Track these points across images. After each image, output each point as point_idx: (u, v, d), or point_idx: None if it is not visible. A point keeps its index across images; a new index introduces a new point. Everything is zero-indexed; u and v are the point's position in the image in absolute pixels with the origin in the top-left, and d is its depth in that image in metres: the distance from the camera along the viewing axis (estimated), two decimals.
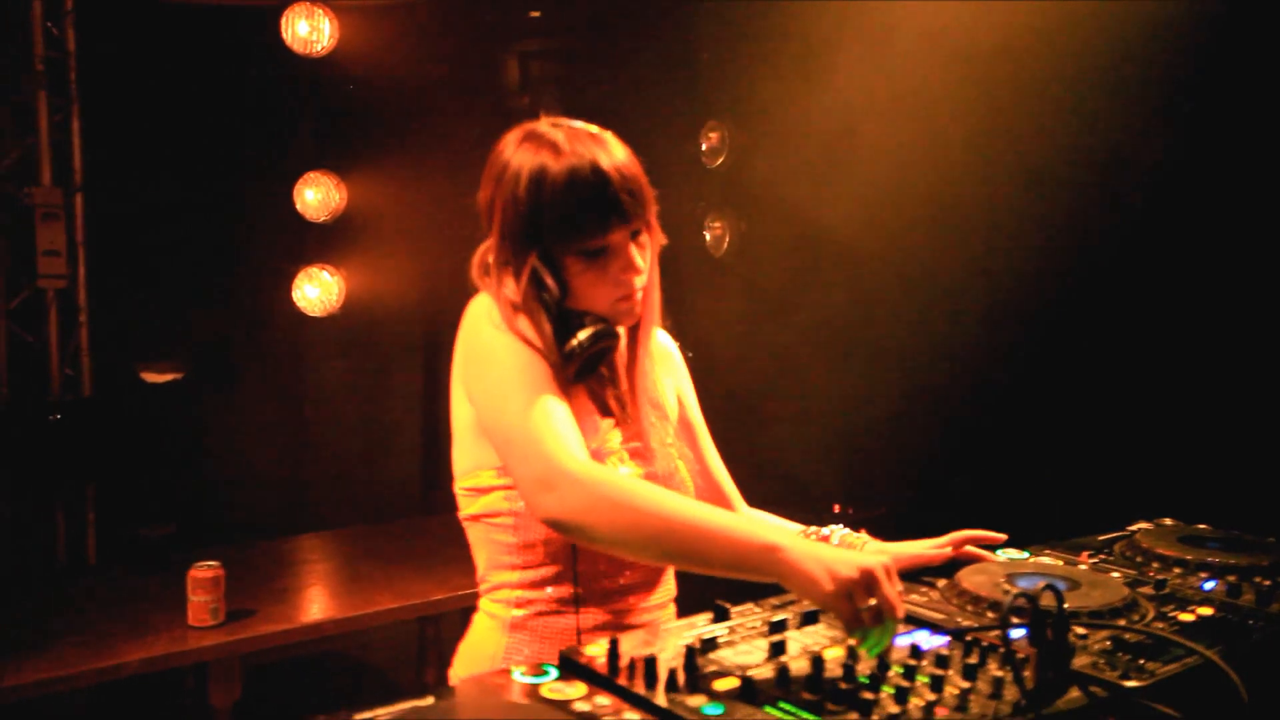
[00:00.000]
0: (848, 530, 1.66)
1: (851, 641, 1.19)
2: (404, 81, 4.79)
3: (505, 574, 1.57)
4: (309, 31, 4.57)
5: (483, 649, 1.59)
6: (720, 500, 1.79)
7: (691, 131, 4.60)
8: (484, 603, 1.63)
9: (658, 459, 1.59)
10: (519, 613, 1.56)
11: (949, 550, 1.61)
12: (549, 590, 1.55)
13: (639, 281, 1.52)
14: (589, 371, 1.51)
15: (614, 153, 1.49)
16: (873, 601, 1.18)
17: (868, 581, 1.19)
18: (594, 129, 1.53)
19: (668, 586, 1.65)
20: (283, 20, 4.54)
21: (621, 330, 1.55)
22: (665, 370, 1.76)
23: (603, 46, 4.80)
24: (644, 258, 1.53)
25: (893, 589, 1.19)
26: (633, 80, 4.55)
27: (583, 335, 1.47)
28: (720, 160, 4.61)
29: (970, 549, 1.63)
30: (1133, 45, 2.96)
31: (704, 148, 4.64)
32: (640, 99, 4.46)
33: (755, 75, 4.27)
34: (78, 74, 4.50)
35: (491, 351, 1.48)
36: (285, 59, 4.58)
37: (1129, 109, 2.99)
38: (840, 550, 1.25)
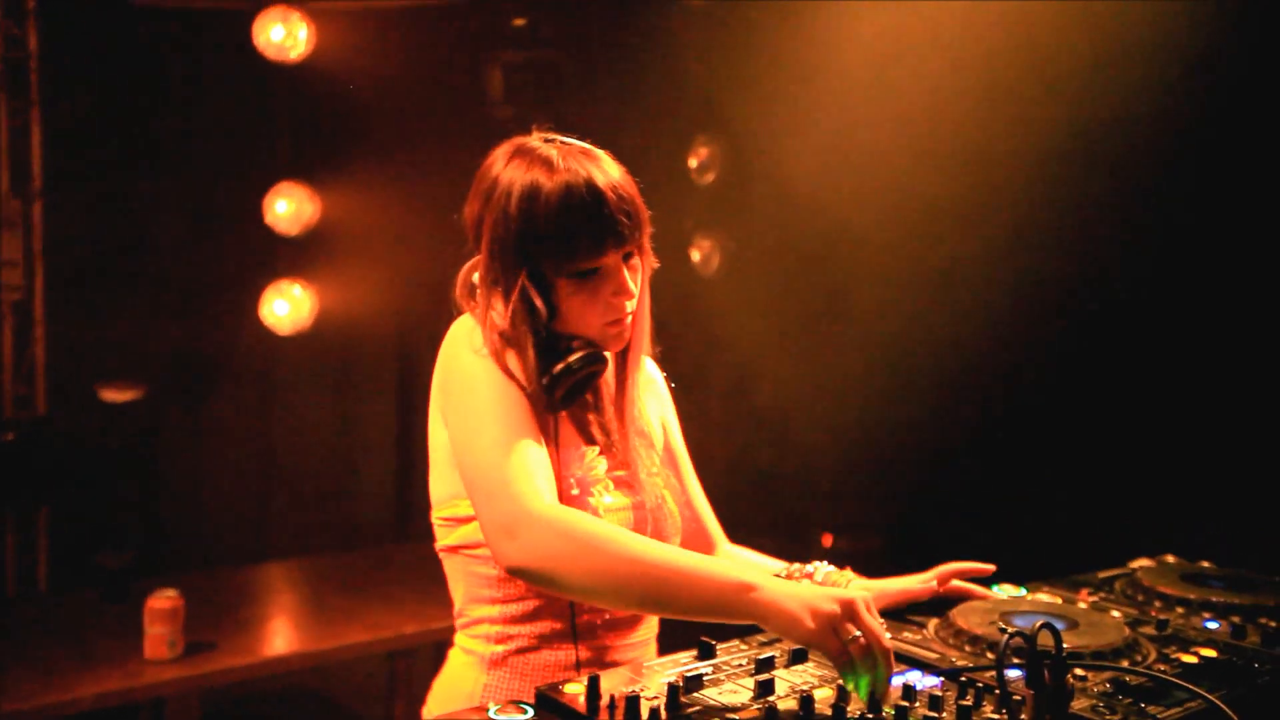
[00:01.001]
0: (832, 568, 1.67)
1: (844, 684, 1.19)
2: (382, 90, 4.80)
3: (484, 608, 1.56)
4: (283, 36, 4.56)
5: (459, 687, 1.58)
6: (702, 534, 1.79)
7: (680, 147, 4.63)
8: (460, 638, 1.62)
9: (645, 489, 1.59)
10: (498, 649, 1.55)
11: (935, 585, 1.61)
12: (530, 626, 1.54)
13: (630, 305, 1.53)
14: (575, 397, 1.52)
15: (609, 171, 1.49)
16: (858, 634, 1.19)
17: (849, 614, 1.21)
18: (587, 145, 1.54)
19: (650, 623, 1.65)
20: (256, 24, 4.54)
21: (609, 355, 1.56)
22: (650, 398, 1.77)
23: (589, 58, 4.83)
24: (635, 281, 1.53)
25: (875, 620, 1.21)
26: (620, 93, 4.57)
27: (570, 360, 1.48)
28: (710, 177, 4.64)
29: (958, 583, 1.64)
30: (1130, 46, 2.99)
31: (693, 164, 4.67)
32: (627, 113, 4.49)
33: (746, 89, 4.30)
34: (39, 76, 4.49)
35: (470, 379, 1.48)
36: (258, 65, 4.58)
37: (1130, 120, 3.02)
38: (816, 586, 1.28)
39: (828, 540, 4.12)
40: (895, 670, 1.28)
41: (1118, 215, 3.17)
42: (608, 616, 1.56)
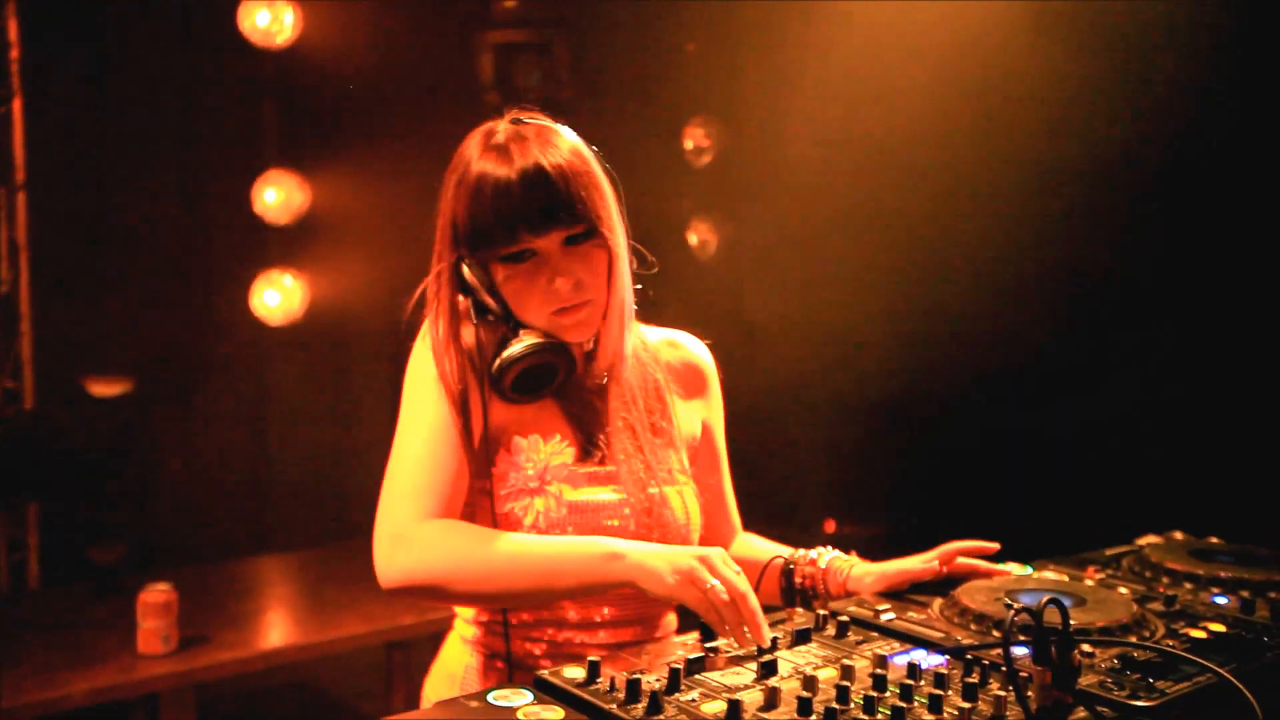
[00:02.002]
0: (837, 552, 1.66)
1: (721, 634, 1.30)
2: (372, 75, 4.78)
3: None
4: (269, 22, 4.54)
5: (447, 667, 1.62)
6: (725, 525, 1.79)
7: (676, 129, 4.62)
8: (456, 625, 1.65)
9: (634, 485, 1.55)
10: (494, 637, 1.56)
11: (937, 565, 1.61)
12: (525, 614, 1.54)
13: (571, 293, 1.47)
14: (535, 386, 1.51)
15: (551, 153, 1.45)
16: (714, 582, 1.29)
17: (706, 565, 1.31)
18: (548, 123, 1.52)
19: (665, 619, 1.63)
20: (241, 10, 4.52)
21: (572, 345, 1.52)
22: (690, 389, 1.72)
23: (582, 40, 4.81)
24: (589, 266, 1.48)
25: (730, 569, 1.32)
26: (614, 75, 4.56)
27: (509, 350, 1.48)
28: (706, 159, 4.63)
29: (963, 561, 1.64)
30: (1129, 41, 2.99)
31: (689, 145, 4.65)
32: (622, 95, 4.48)
33: (743, 70, 4.29)
34: (20, 65, 4.47)
35: (410, 376, 1.53)
36: (244, 51, 4.56)
37: (1133, 111, 3.03)
38: (678, 547, 1.39)
39: (830, 526, 4.12)
40: (900, 649, 1.29)
41: (1120, 195, 3.17)
42: (606, 612, 1.55)
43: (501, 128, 1.50)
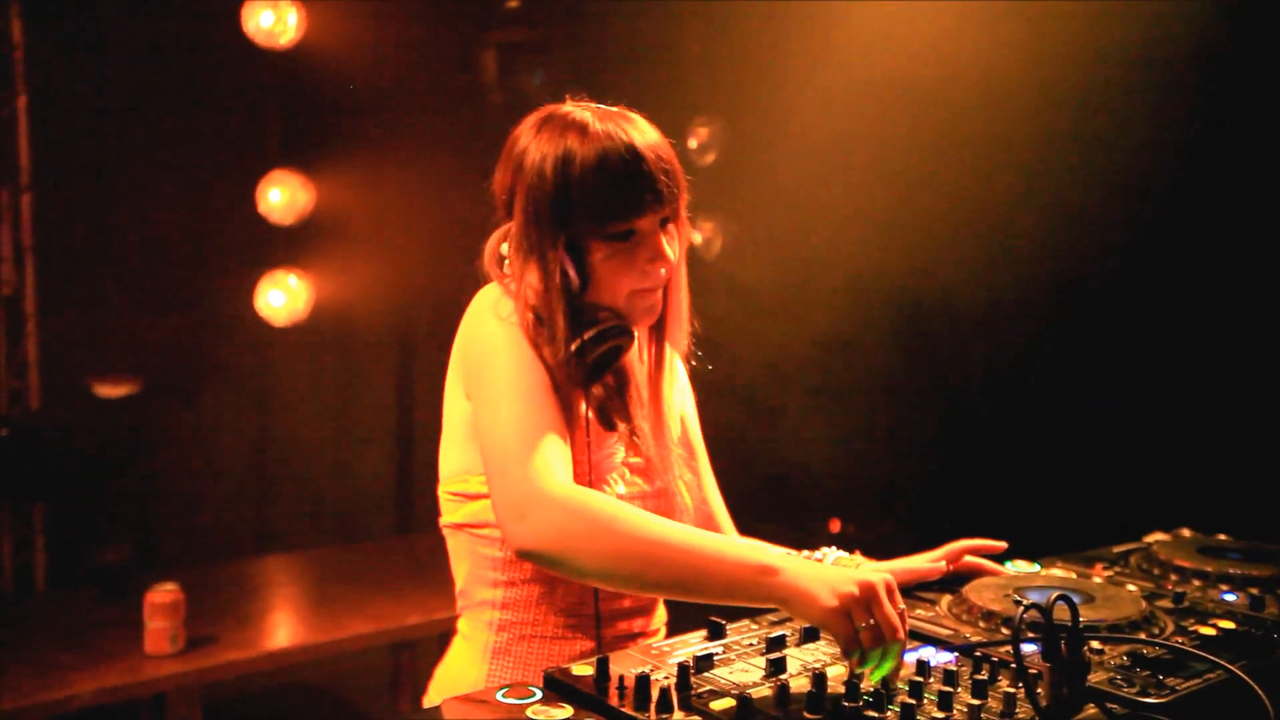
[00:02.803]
0: (842, 552, 1.66)
1: (852, 665, 1.19)
2: (374, 75, 4.78)
3: (487, 590, 1.55)
4: (273, 22, 4.55)
5: (463, 675, 1.56)
6: (712, 528, 1.78)
7: (679, 128, 4.61)
8: (463, 624, 1.61)
9: (661, 477, 1.58)
10: (502, 636, 1.54)
11: (944, 565, 1.61)
12: (534, 612, 1.53)
13: (664, 274, 1.51)
14: (599, 372, 1.49)
15: (646, 132, 1.49)
16: (871, 621, 1.18)
17: (868, 598, 1.19)
18: (622, 109, 1.54)
19: (659, 613, 1.65)
20: (245, 10, 4.53)
21: (637, 333, 1.54)
22: (672, 389, 1.74)
23: (585, 37, 4.81)
24: (673, 249, 1.52)
25: (893, 607, 1.20)
26: (617, 73, 4.55)
27: (595, 331, 1.46)
28: (710, 158, 4.62)
29: (970, 559, 1.64)
30: (1129, 42, 2.99)
31: (693, 145, 4.65)
32: (625, 93, 4.47)
33: (746, 69, 4.28)
34: (25, 66, 4.47)
35: (494, 349, 1.46)
36: (248, 51, 4.56)
37: (1137, 119, 3.03)
38: (838, 568, 1.26)
39: (835, 525, 4.11)
40: (909, 647, 1.28)
41: (1124, 193, 3.16)
42: (617, 605, 1.55)
43: (585, 109, 1.50)
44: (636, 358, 1.62)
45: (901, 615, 1.21)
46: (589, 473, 1.49)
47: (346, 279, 4.95)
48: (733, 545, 1.34)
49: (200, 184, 4.82)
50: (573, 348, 1.44)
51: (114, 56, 4.55)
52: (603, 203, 1.44)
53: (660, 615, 1.65)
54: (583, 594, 1.52)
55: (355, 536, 4.56)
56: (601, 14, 4.69)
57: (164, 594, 2.84)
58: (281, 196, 4.80)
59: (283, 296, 4.80)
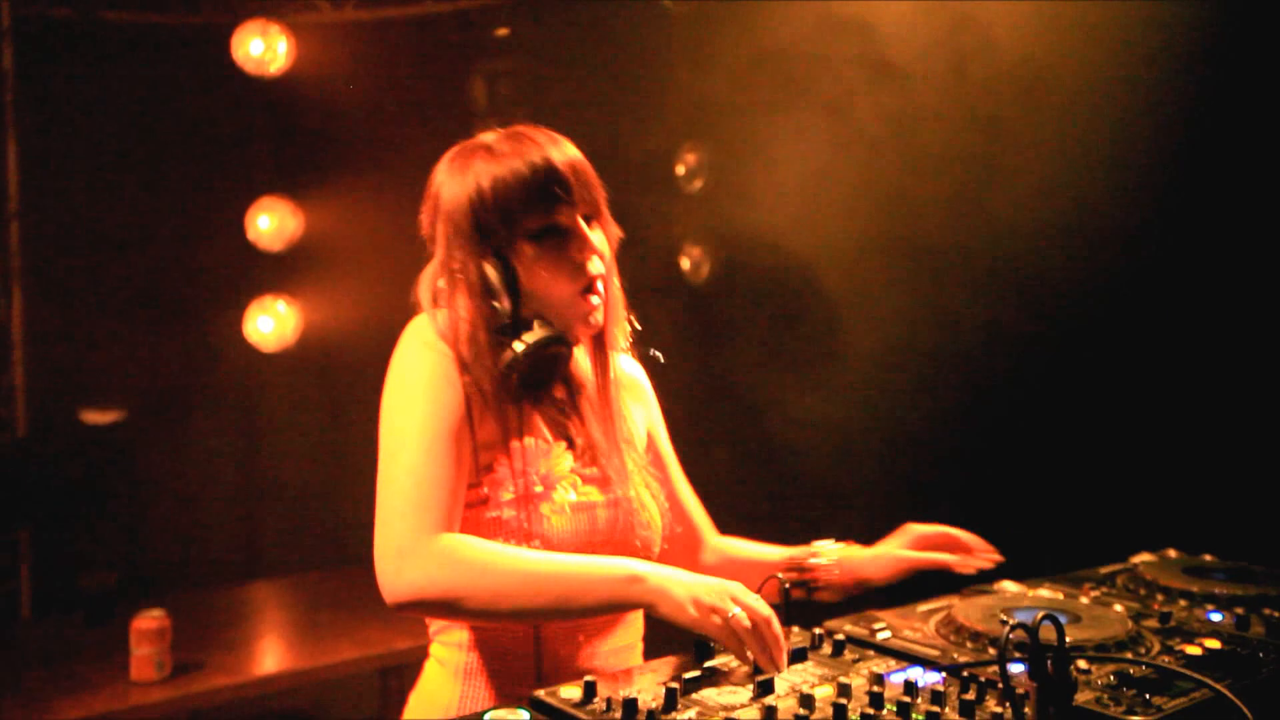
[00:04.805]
0: (837, 544, 1.71)
1: (739, 657, 1.29)
2: (364, 102, 4.80)
3: None
4: (263, 50, 4.56)
5: (436, 699, 1.56)
6: (689, 531, 1.80)
7: (667, 154, 4.64)
8: (435, 648, 1.61)
9: (617, 485, 1.57)
10: (472, 656, 1.54)
11: (912, 552, 1.67)
12: (500, 634, 1.52)
13: (597, 267, 1.53)
14: (539, 382, 1.51)
15: (554, 141, 1.55)
16: (737, 610, 1.28)
17: (727, 591, 1.32)
18: (532, 127, 1.58)
19: (634, 626, 1.64)
20: (234, 39, 4.54)
21: (580, 342, 1.55)
22: (634, 399, 1.75)
23: (573, 66, 4.84)
24: (603, 246, 1.55)
25: (754, 598, 1.32)
26: (605, 101, 4.58)
27: (528, 338, 1.47)
28: (698, 183, 4.64)
29: (937, 557, 1.69)
30: (1128, 44, 3.01)
31: (681, 170, 4.67)
32: (613, 120, 4.49)
33: (735, 95, 4.31)
34: (15, 94, 4.48)
35: (406, 387, 1.49)
36: (237, 79, 4.58)
37: (1133, 134, 3.05)
38: (700, 575, 1.37)
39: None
40: (896, 667, 1.29)
41: (1116, 210, 3.17)
42: (588, 623, 1.55)
43: (485, 135, 1.57)
44: (590, 370, 1.63)
45: (760, 602, 1.31)
46: (536, 484, 1.49)
47: (335, 305, 4.95)
48: (602, 562, 1.40)
49: (189, 210, 4.82)
50: (505, 358, 1.47)
51: (103, 84, 4.56)
52: (516, 201, 1.49)
53: (633, 632, 1.64)
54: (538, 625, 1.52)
55: (343, 561, 4.53)
56: (590, 43, 4.72)
57: (150, 620, 2.82)
58: (270, 223, 4.81)
59: (271, 322, 4.80)
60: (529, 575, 1.37)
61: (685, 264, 4.72)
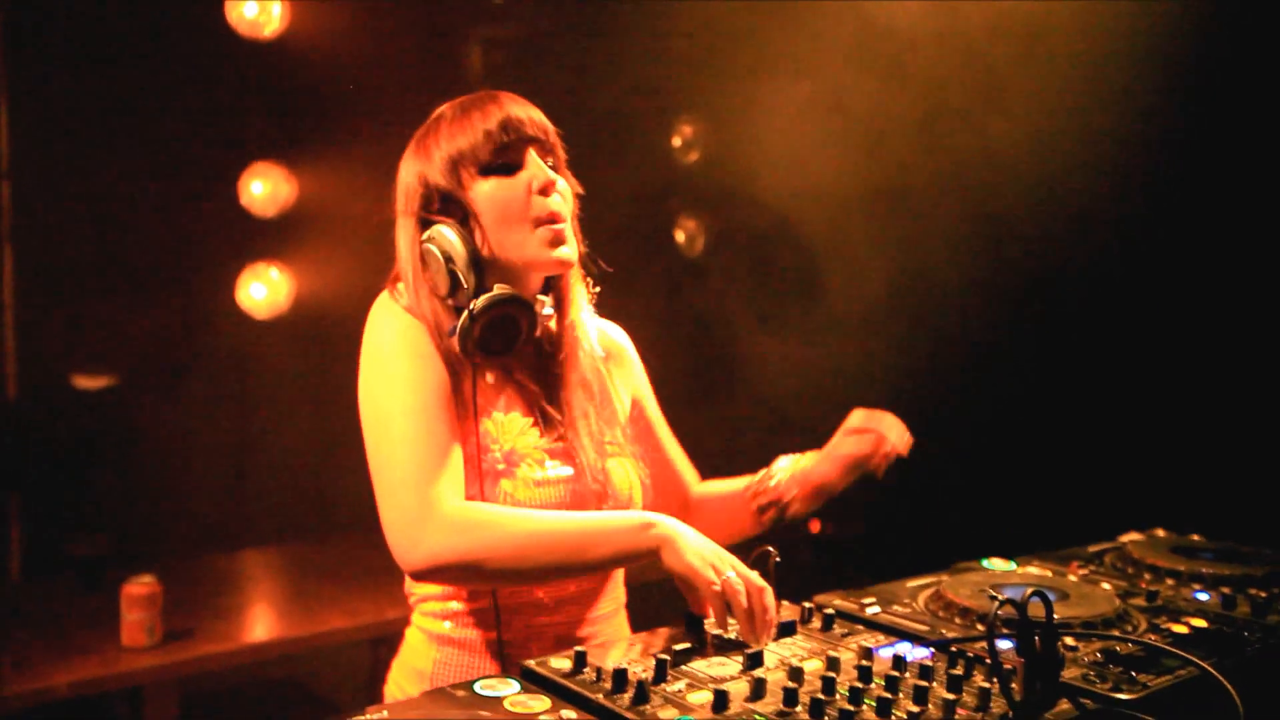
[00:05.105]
0: (792, 457, 1.74)
1: (720, 621, 1.32)
2: (360, 68, 4.76)
3: (431, 585, 1.56)
4: (257, 12, 4.52)
5: (414, 664, 1.59)
6: (680, 491, 1.82)
7: (664, 125, 4.62)
8: (415, 616, 1.62)
9: (585, 460, 1.55)
10: (448, 625, 1.55)
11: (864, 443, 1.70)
12: (476, 602, 1.53)
13: (557, 203, 1.51)
14: (498, 346, 1.48)
15: (512, 99, 1.56)
16: (731, 573, 1.33)
17: (731, 562, 1.35)
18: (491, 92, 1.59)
19: (616, 593, 1.64)
20: (228, 1, 4.50)
21: (540, 306, 1.54)
22: (617, 368, 1.74)
23: (569, 35, 4.80)
24: (564, 194, 1.55)
25: (752, 573, 1.35)
26: (602, 70, 4.55)
27: (478, 302, 1.45)
28: (694, 156, 4.63)
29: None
30: (1122, 40, 3.01)
31: (677, 143, 4.65)
32: (610, 90, 4.47)
33: (731, 67, 4.29)
34: (4, 55, 4.43)
35: (385, 355, 1.49)
36: (231, 42, 4.53)
37: (1131, 118, 3.04)
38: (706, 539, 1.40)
39: (815, 526, 4.12)
40: (885, 642, 1.30)
41: (1104, 194, 3.18)
42: (571, 589, 1.55)
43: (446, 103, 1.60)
44: (564, 341, 1.62)
45: (755, 574, 1.35)
46: (499, 462, 1.49)
47: (328, 272, 4.92)
48: (611, 514, 1.47)
49: (182, 175, 4.78)
50: (462, 320, 1.46)
51: (94, 45, 4.51)
52: (468, 138, 1.50)
53: (614, 599, 1.64)
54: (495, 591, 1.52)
55: (335, 530, 4.53)
56: (588, 10, 4.69)
57: (141, 585, 2.82)
58: (264, 189, 4.77)
59: (264, 289, 4.78)
60: (544, 532, 1.39)
61: (680, 237, 4.71)
